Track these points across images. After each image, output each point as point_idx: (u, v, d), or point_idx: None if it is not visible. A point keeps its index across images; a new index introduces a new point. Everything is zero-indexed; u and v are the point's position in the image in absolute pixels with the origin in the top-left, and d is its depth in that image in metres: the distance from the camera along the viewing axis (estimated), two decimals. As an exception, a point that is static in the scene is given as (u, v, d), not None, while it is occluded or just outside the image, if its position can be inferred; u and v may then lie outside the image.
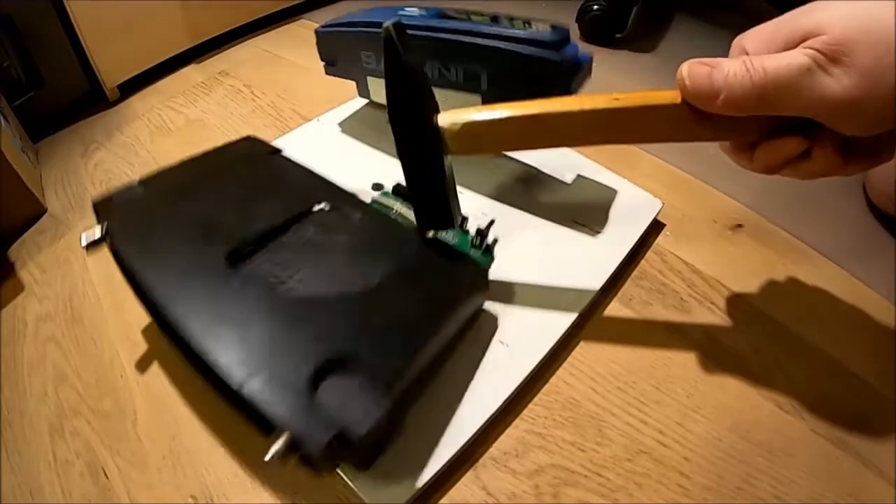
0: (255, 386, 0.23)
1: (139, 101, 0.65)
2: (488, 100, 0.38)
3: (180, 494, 0.29)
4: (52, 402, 0.35)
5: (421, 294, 0.29)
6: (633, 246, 0.38)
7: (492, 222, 0.35)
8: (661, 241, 0.41)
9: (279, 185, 0.36)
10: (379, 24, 0.40)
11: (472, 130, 0.28)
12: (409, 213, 0.37)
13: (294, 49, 0.70)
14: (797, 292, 0.37)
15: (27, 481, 0.31)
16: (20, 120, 0.57)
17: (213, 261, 0.29)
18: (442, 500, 0.28)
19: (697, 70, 0.24)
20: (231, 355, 0.25)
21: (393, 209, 0.38)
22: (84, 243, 0.32)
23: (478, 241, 0.35)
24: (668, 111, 0.25)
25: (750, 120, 0.24)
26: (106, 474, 0.31)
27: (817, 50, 0.21)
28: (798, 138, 0.24)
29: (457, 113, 0.28)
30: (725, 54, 0.27)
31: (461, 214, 0.33)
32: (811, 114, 0.23)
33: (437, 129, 0.28)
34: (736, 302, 0.36)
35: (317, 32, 0.46)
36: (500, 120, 0.28)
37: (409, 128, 0.28)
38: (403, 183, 0.38)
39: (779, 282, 0.38)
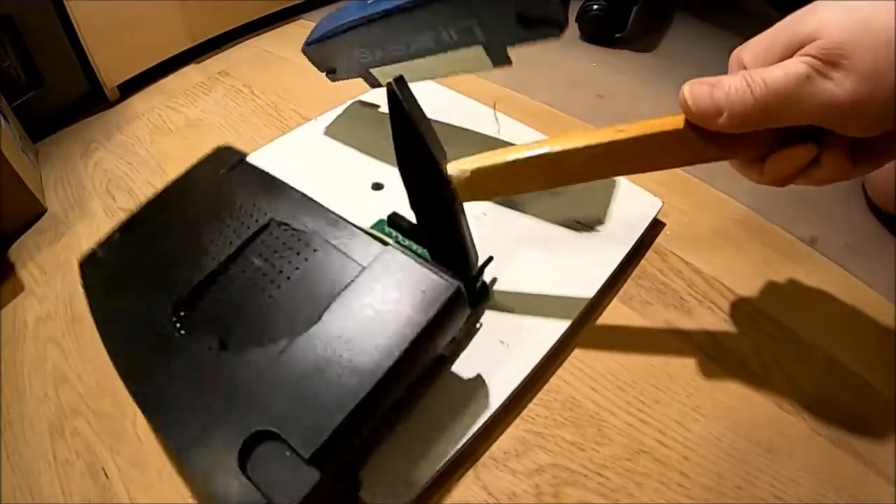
0: (190, 459, 0.23)
1: (139, 101, 0.65)
2: (492, 48, 0.36)
3: (180, 494, 0.29)
4: (52, 402, 0.35)
5: (374, 327, 0.25)
6: (633, 245, 0.38)
7: (489, 260, 0.34)
8: (661, 240, 0.41)
9: (233, 207, 0.33)
10: (360, 21, 0.40)
11: (481, 177, 0.28)
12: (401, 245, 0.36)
13: (294, 49, 0.70)
14: (797, 292, 0.37)
15: (27, 481, 0.31)
16: (20, 120, 0.57)
17: (160, 318, 0.28)
18: (442, 500, 0.28)
19: (698, 89, 0.24)
20: (173, 425, 0.24)
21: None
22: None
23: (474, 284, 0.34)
24: (674, 136, 0.25)
25: (756, 134, 0.24)
26: (106, 474, 0.31)
27: (814, 56, 0.21)
28: (807, 146, 0.24)
29: (465, 161, 0.29)
30: (725, 55, 0.27)
31: (476, 256, 0.33)
32: (816, 120, 0.22)
33: (447, 179, 0.28)
34: (736, 301, 0.36)
35: (304, 51, 0.46)
36: (508, 163, 0.28)
37: (420, 180, 0.29)
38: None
39: (779, 282, 0.38)
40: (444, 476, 0.29)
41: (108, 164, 0.55)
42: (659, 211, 0.41)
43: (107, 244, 0.34)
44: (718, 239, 0.41)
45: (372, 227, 0.38)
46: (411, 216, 0.32)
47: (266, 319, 0.27)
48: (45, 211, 0.51)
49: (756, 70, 0.23)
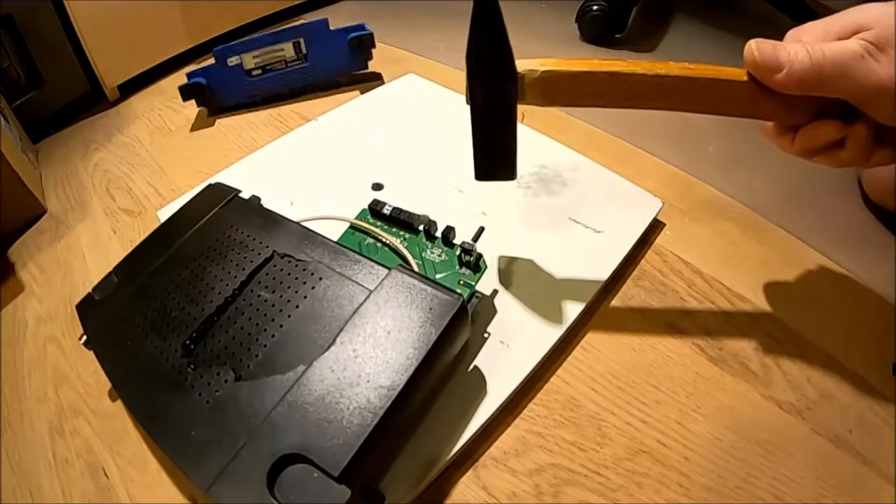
0: (220, 492, 0.23)
1: (139, 101, 0.65)
2: None
3: (180, 495, 0.29)
4: (52, 402, 0.35)
5: (387, 346, 0.26)
6: (633, 245, 0.38)
7: (480, 231, 0.35)
8: (661, 240, 0.41)
9: (231, 243, 0.33)
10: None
11: (550, 79, 0.28)
12: (388, 235, 0.36)
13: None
14: (797, 291, 0.37)
15: (27, 481, 0.31)
16: (20, 120, 0.57)
17: (170, 355, 0.29)
18: (442, 500, 0.28)
19: (764, 45, 0.27)
20: (194, 459, 0.25)
21: (367, 238, 0.37)
22: (82, 343, 0.32)
23: (465, 258, 0.34)
24: (734, 86, 0.28)
25: (800, 101, 0.27)
26: (106, 474, 0.31)
27: (868, 41, 0.25)
28: (837, 124, 0.27)
29: (535, 62, 0.29)
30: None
31: (518, 165, 0.32)
32: (856, 96, 0.26)
33: (516, 74, 0.28)
34: (736, 301, 0.36)
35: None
36: (579, 73, 0.28)
37: (489, 69, 0.28)
38: (382, 199, 0.38)
39: (778, 281, 0.38)
40: (444, 476, 0.29)
41: (109, 164, 0.55)
42: (659, 211, 0.41)
43: (103, 287, 0.34)
44: (718, 239, 0.41)
45: (356, 218, 0.38)
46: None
47: (280, 347, 0.27)
48: (45, 211, 0.51)
49: (815, 42, 0.26)
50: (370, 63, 0.61)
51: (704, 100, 0.28)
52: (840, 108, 0.27)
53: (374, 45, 0.58)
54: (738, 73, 0.28)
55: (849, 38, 0.26)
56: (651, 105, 0.29)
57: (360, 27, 0.58)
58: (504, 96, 0.29)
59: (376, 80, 0.62)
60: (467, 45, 0.27)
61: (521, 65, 0.29)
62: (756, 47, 0.27)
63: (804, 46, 0.26)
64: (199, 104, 0.58)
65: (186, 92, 0.56)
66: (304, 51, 0.58)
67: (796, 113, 0.28)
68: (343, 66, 0.60)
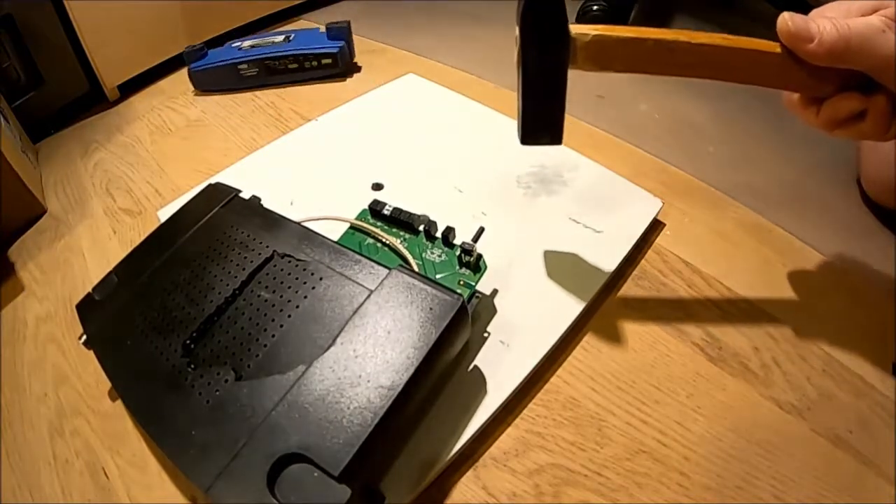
0: (219, 490, 0.23)
1: (139, 101, 0.65)
2: None
3: (180, 495, 0.29)
4: (52, 402, 0.35)
5: (387, 346, 0.26)
6: (633, 245, 0.38)
7: (480, 231, 0.35)
8: (661, 240, 0.41)
9: (232, 243, 0.33)
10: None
11: (601, 43, 0.29)
12: (388, 235, 0.36)
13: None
14: (797, 291, 0.37)
15: (27, 481, 0.31)
16: (20, 120, 0.57)
17: (170, 355, 0.29)
18: (442, 500, 0.28)
19: (796, 16, 0.28)
20: (194, 459, 0.25)
21: (367, 239, 0.37)
22: (82, 342, 0.32)
23: (465, 258, 0.34)
24: (769, 57, 0.29)
25: (828, 73, 0.28)
26: (106, 474, 0.31)
27: (888, 17, 0.27)
28: (859, 96, 0.28)
29: (586, 27, 0.29)
30: None
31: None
32: (877, 68, 0.27)
33: (570, 37, 0.29)
34: (735, 301, 0.36)
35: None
36: (628, 39, 0.29)
37: (543, 31, 0.28)
38: (382, 199, 0.38)
39: (778, 281, 0.38)
40: (444, 476, 0.29)
41: (108, 164, 0.55)
42: (659, 211, 0.41)
43: (103, 287, 0.34)
44: (718, 239, 0.41)
45: (356, 218, 0.38)
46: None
47: (280, 347, 0.27)
48: (45, 211, 0.51)
49: (840, 18, 0.27)
50: (364, 61, 0.64)
51: (741, 69, 0.30)
52: (861, 83, 0.28)
53: (349, 29, 0.64)
54: (772, 45, 0.29)
55: (869, 14, 0.27)
56: (692, 73, 0.30)
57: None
58: (556, 59, 0.29)
59: (356, 70, 0.65)
60: (521, 7, 0.27)
61: (573, 29, 0.29)
62: (789, 18, 0.28)
63: (830, 21, 0.27)
64: (189, 70, 0.62)
65: (190, 52, 0.63)
66: (291, 38, 0.65)
67: (823, 84, 0.29)
68: (320, 45, 0.63)
